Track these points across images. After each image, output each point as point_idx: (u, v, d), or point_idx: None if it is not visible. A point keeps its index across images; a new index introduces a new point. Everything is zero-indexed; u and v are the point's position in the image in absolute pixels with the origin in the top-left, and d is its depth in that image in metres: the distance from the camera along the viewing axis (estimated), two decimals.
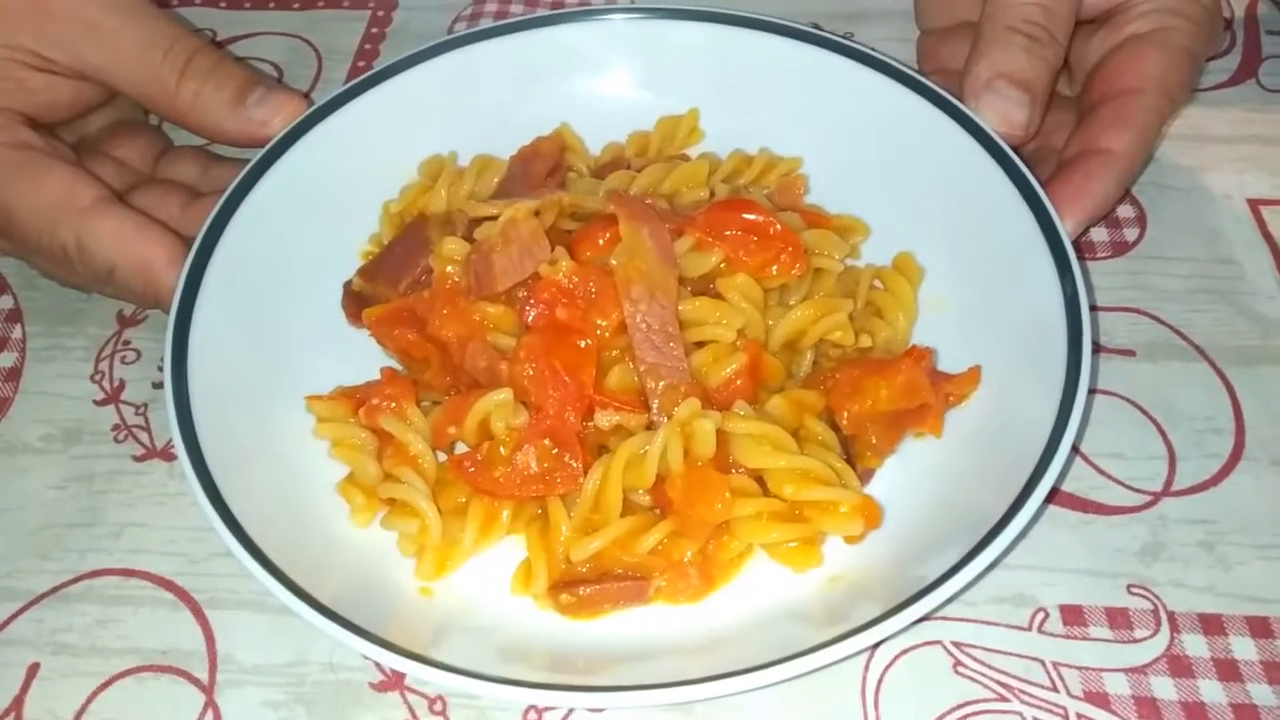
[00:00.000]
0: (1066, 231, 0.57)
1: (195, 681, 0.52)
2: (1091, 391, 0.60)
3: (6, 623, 0.54)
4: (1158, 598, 0.52)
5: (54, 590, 0.55)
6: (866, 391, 0.54)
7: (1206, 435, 0.59)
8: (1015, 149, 0.61)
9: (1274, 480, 0.56)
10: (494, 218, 0.56)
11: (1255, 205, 0.68)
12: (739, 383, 0.54)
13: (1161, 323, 0.64)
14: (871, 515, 0.51)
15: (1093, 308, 0.64)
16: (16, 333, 0.67)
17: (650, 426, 0.53)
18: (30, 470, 0.60)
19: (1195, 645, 0.51)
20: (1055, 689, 0.50)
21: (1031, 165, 0.61)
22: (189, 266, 0.58)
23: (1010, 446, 0.52)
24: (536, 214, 0.56)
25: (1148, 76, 0.61)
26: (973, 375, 0.56)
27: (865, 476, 0.55)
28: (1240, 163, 0.72)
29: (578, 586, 0.51)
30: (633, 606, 0.52)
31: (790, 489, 0.51)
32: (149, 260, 0.59)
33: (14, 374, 0.65)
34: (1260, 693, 0.49)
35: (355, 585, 0.51)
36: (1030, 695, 0.50)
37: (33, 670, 0.53)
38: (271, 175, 0.63)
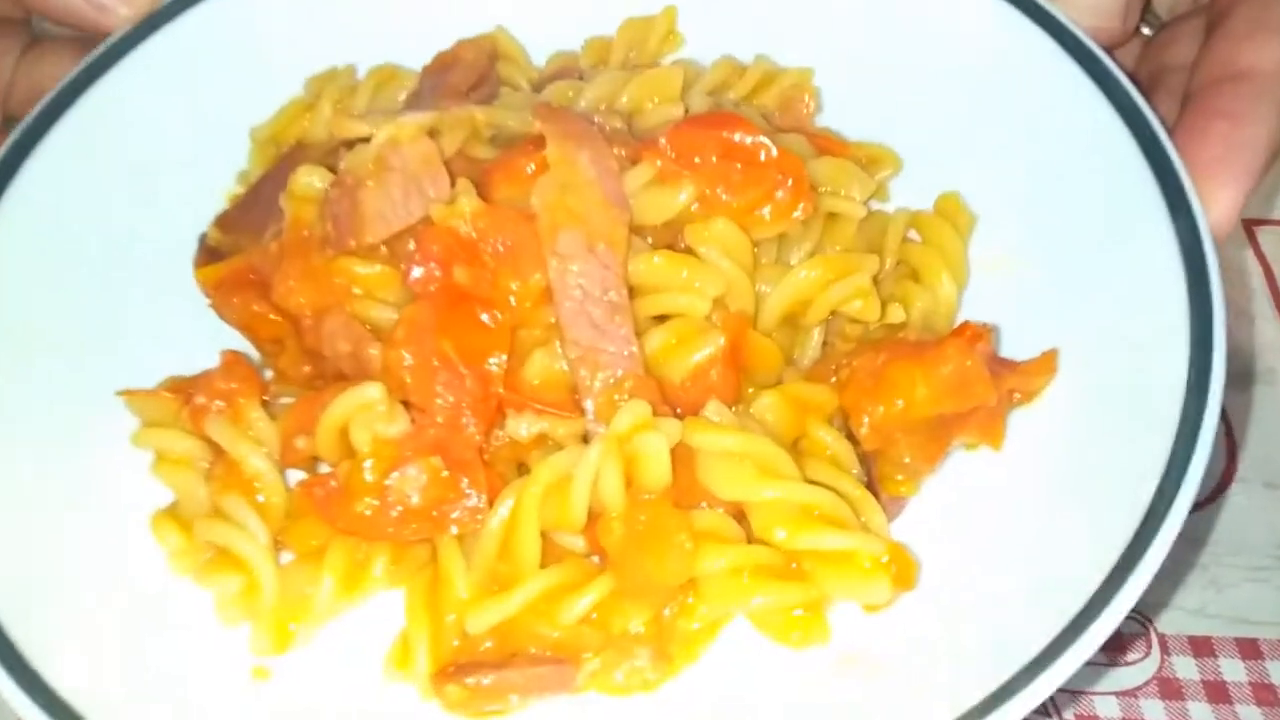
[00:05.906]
0: (1220, 209, 0.48)
1: None
2: None
3: None
4: (1149, 620, 0.56)
5: None
6: (897, 386, 0.46)
7: None
8: (1109, 52, 0.52)
9: (1266, 502, 0.60)
10: (368, 139, 0.47)
11: (1249, 225, 0.71)
12: (713, 374, 0.46)
13: None
14: (903, 571, 0.43)
15: None
16: None
17: (586, 437, 0.45)
18: None
19: (1185, 667, 0.55)
20: (1047, 713, 0.53)
21: (1145, 90, 0.52)
22: None
23: (1102, 468, 0.43)
24: (431, 135, 0.48)
25: None
26: (1046, 363, 0.48)
27: (894, 510, 0.47)
28: None
29: (472, 672, 0.41)
30: (555, 697, 0.42)
31: (783, 532, 0.43)
32: None
33: None
34: (1248, 714, 0.53)
35: (150, 665, 0.41)
36: None
37: None
38: (101, 86, 0.53)
